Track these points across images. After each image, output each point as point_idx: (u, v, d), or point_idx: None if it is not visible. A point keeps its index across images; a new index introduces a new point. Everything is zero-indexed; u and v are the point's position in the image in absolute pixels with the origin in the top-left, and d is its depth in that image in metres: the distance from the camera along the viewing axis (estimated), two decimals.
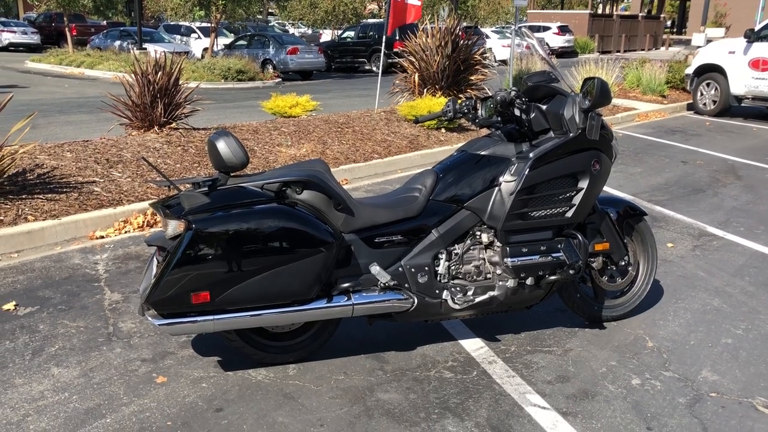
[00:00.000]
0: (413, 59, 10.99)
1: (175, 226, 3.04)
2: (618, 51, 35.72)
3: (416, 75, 11.19)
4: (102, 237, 5.31)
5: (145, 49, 23.86)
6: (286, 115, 9.46)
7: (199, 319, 2.99)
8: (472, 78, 11.54)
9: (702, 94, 13.29)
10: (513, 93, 3.50)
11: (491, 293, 3.48)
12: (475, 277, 3.52)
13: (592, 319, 3.93)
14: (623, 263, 3.89)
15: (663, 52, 30.70)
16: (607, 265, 3.89)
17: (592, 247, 3.76)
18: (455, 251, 3.49)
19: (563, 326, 3.91)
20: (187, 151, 7.05)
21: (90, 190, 5.83)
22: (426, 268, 3.40)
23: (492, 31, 30.34)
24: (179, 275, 2.89)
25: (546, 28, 32.72)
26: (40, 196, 5.52)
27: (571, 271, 3.47)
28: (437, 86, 11.20)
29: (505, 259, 3.43)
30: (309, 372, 3.34)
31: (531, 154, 3.43)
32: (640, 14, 40.67)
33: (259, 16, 36.08)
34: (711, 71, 13.00)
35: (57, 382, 3.19)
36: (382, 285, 3.28)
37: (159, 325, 2.96)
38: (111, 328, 3.76)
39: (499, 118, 3.61)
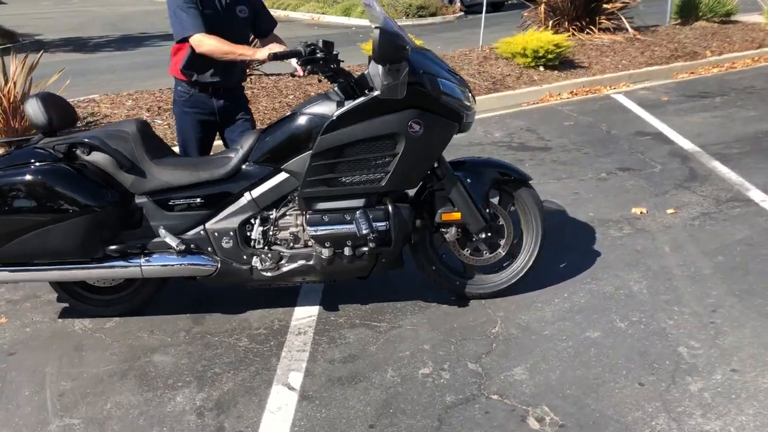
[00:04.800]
0: None
1: None
2: None
3: (543, 6, 10.33)
4: None
5: None
6: None
7: None
8: (607, 6, 10.36)
9: None
10: (319, 45, 3.14)
11: (305, 262, 3.29)
12: (292, 244, 3.34)
13: (456, 294, 3.53)
14: (484, 236, 3.41)
15: None
16: (470, 237, 3.44)
17: (439, 217, 3.35)
18: (271, 216, 3.33)
19: (422, 300, 3.56)
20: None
21: None
22: (231, 233, 3.30)
23: None
24: None
25: None
26: None
27: (371, 244, 3.15)
28: (565, 17, 10.25)
29: (307, 228, 3.21)
30: (123, 326, 3.45)
31: (334, 114, 3.12)
32: None
33: None
34: None
35: None
36: (175, 248, 3.27)
37: None
38: None
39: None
